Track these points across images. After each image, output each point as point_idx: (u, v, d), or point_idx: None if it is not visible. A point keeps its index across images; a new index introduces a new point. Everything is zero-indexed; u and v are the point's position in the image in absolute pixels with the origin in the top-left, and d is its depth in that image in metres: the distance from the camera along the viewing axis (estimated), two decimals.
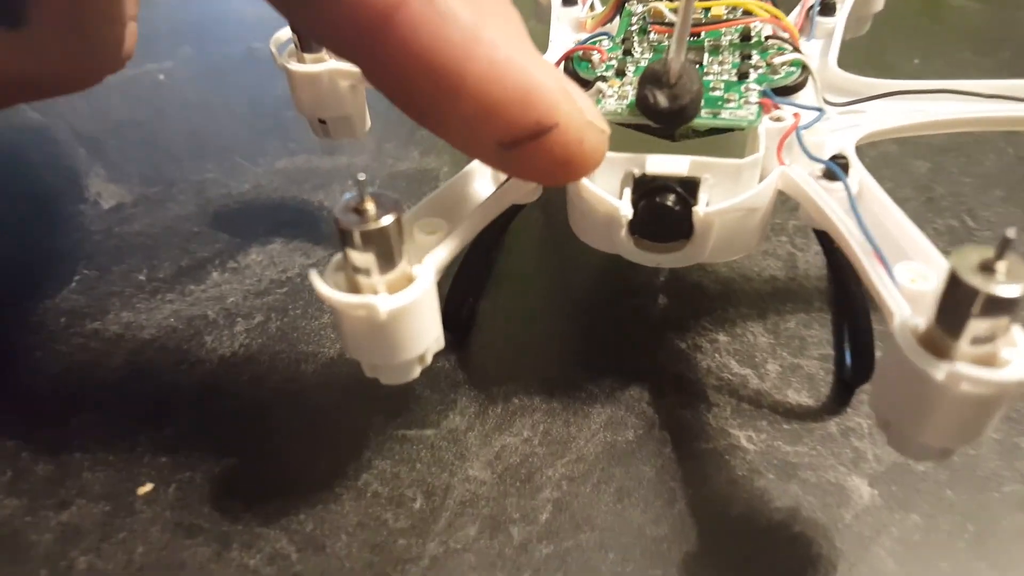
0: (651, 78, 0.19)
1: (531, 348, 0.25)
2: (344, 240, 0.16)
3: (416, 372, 0.18)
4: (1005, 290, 0.13)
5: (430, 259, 0.17)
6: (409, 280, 0.16)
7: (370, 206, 0.15)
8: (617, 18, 0.24)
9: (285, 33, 0.24)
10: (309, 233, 0.29)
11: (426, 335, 0.17)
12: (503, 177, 0.20)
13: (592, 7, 0.26)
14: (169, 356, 0.25)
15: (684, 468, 0.21)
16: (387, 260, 0.16)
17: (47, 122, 0.36)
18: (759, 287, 0.26)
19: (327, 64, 0.24)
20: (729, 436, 0.21)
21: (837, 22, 0.25)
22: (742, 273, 0.27)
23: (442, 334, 0.18)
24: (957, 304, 0.14)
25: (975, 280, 0.13)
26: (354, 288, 0.16)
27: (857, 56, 0.24)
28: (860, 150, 0.20)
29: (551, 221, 0.29)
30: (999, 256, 0.13)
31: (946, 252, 0.15)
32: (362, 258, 0.16)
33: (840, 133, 0.21)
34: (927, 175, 0.31)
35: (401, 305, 0.16)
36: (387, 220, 0.15)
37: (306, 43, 0.24)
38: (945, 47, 0.40)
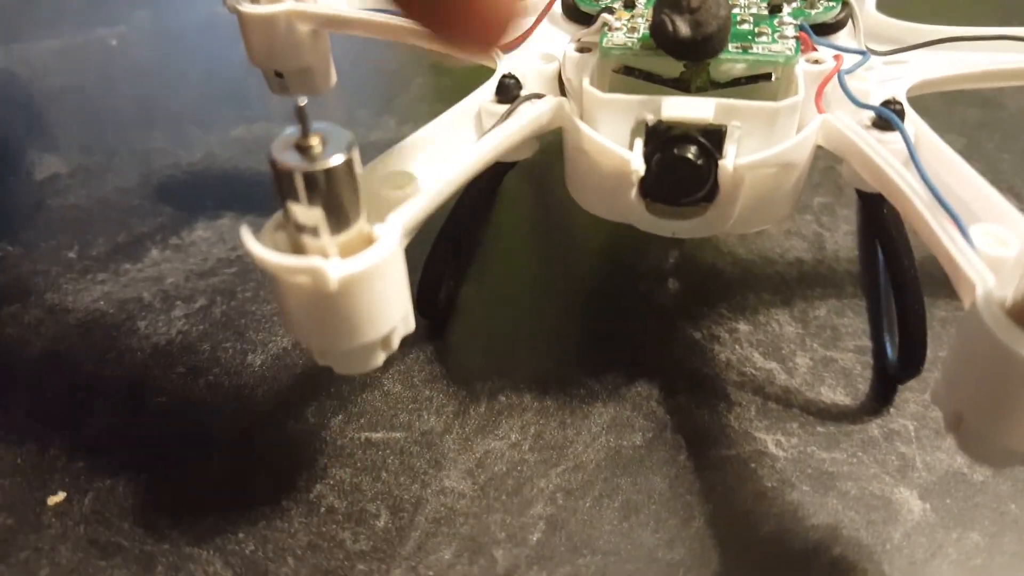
0: (669, 1, 0.17)
1: (521, 337, 0.24)
2: (283, 187, 0.14)
3: (379, 360, 0.16)
4: None
5: (395, 217, 0.15)
6: (369, 242, 0.15)
7: (315, 141, 0.13)
8: None
9: None
10: (264, 207, 0.27)
11: (390, 312, 0.15)
12: (487, 126, 0.18)
13: None
14: (95, 344, 0.23)
15: (702, 479, 0.20)
16: (339, 214, 0.14)
17: None
18: (783, 270, 0.25)
19: (284, 5, 0.22)
20: (754, 441, 0.21)
21: None
22: (763, 255, 0.26)
23: (411, 313, 0.16)
24: None
25: None
26: (299, 251, 0.14)
27: None
28: None
29: (546, 188, 0.28)
30: None
31: None
32: (307, 212, 0.14)
33: (886, 84, 0.20)
34: (962, 152, 0.29)
35: (357, 271, 0.14)
36: (337, 159, 0.13)
37: None
38: (972, 19, 0.39)
